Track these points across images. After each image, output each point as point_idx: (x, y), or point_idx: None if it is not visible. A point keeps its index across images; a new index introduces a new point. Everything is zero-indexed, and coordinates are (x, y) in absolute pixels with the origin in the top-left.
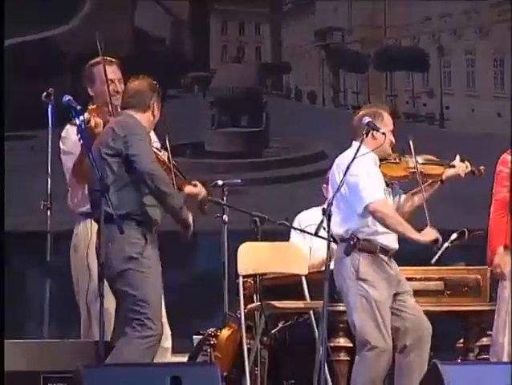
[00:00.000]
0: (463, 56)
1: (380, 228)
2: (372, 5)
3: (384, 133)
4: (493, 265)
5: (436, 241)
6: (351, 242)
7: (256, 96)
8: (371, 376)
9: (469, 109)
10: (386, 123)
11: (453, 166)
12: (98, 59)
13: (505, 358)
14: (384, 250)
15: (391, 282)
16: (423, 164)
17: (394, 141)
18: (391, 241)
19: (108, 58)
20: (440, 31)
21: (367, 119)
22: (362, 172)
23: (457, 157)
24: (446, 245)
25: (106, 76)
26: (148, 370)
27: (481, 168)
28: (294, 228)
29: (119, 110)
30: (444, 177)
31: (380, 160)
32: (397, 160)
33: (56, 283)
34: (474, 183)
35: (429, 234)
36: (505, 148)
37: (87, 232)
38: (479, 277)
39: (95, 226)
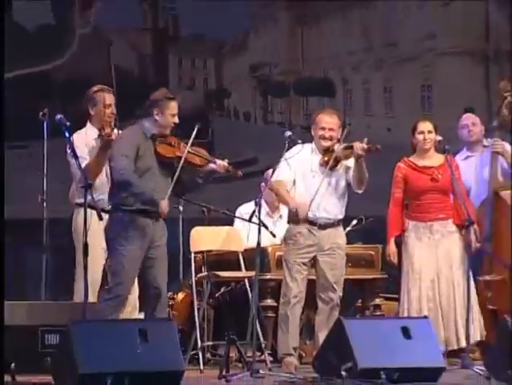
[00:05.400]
0: (361, 85)
1: (303, 202)
2: (293, 46)
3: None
4: (387, 253)
5: (297, 213)
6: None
7: (203, 115)
8: (283, 325)
9: (366, 126)
10: (319, 123)
11: (350, 147)
12: (100, 87)
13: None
14: (309, 221)
15: (310, 248)
16: (344, 148)
17: (327, 135)
18: (315, 212)
19: (106, 87)
20: (344, 66)
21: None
22: None
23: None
24: (348, 228)
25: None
26: (121, 324)
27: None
28: (233, 216)
29: (112, 126)
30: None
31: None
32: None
33: (51, 259)
34: (377, 180)
35: (299, 205)
36: (395, 157)
37: (85, 217)
38: (373, 253)
39: (93, 214)
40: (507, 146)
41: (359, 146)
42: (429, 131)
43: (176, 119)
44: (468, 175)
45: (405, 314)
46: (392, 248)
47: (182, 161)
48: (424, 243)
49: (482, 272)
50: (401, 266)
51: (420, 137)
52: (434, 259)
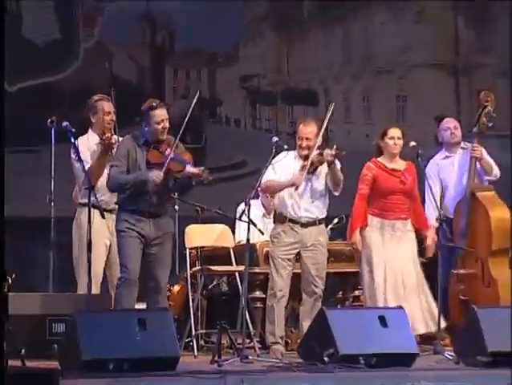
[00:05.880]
0: (341, 95)
1: (286, 202)
2: (279, 59)
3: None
4: (352, 241)
5: (294, 183)
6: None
7: (198, 122)
8: (270, 316)
9: (346, 132)
10: (298, 133)
11: (321, 154)
12: (100, 96)
13: (368, 302)
14: (292, 220)
15: (293, 245)
16: (317, 154)
17: (303, 145)
18: (296, 212)
19: (105, 96)
20: (326, 77)
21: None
22: None
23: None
24: (330, 226)
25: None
26: (121, 314)
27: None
28: (225, 216)
29: (112, 132)
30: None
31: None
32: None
33: (57, 253)
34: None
35: (294, 177)
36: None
37: (89, 216)
38: (352, 249)
39: (96, 213)
40: (484, 152)
41: (328, 152)
42: (399, 138)
43: (166, 124)
44: (446, 173)
45: (369, 304)
46: (357, 237)
47: (165, 167)
48: (387, 238)
49: (456, 266)
50: (361, 259)
51: (390, 142)
52: (396, 253)
